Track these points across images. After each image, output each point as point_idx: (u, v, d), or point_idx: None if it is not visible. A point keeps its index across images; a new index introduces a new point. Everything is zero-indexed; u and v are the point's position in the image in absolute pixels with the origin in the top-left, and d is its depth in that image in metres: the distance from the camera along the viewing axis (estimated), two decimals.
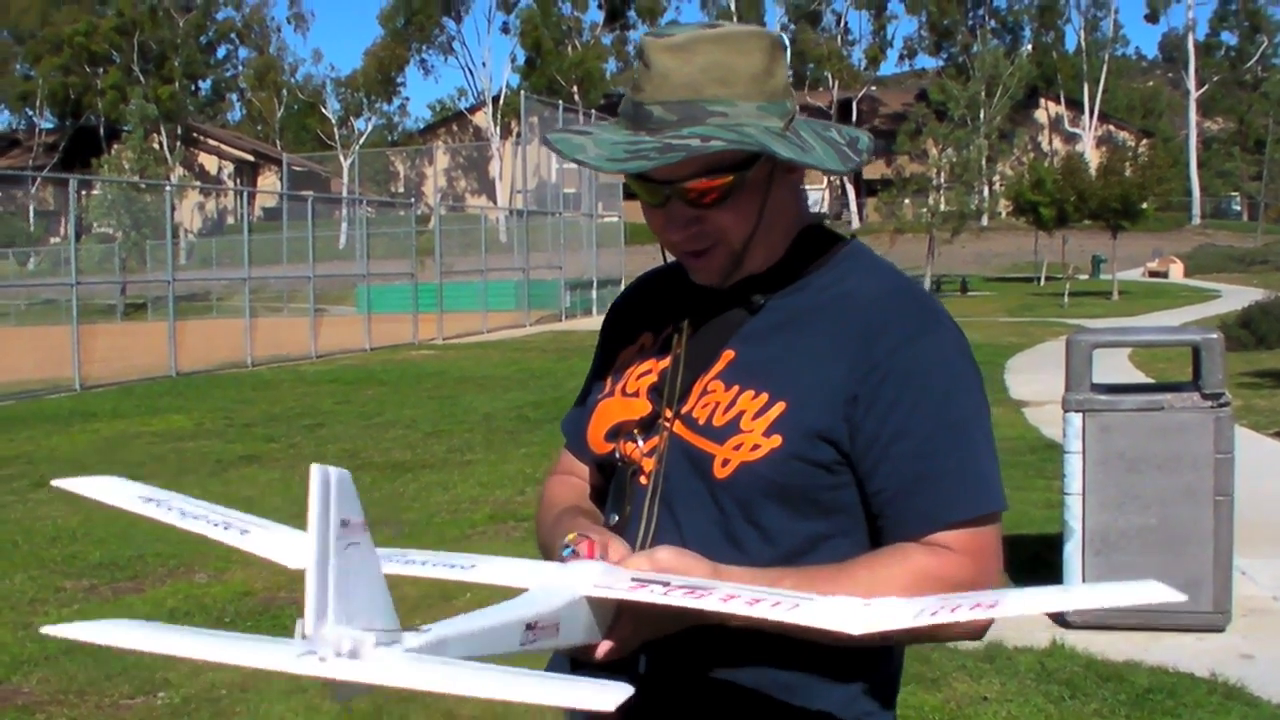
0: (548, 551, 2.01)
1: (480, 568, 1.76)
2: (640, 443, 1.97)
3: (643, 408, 1.99)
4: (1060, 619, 6.86)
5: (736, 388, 1.90)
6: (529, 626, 1.56)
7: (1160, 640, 6.56)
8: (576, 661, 1.83)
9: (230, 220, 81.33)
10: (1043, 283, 54.81)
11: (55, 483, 2.05)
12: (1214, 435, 6.68)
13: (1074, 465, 6.84)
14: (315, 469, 1.27)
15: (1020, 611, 1.57)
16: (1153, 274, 59.92)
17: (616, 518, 1.99)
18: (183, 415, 17.85)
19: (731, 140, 1.77)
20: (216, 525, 1.92)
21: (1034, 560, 7.67)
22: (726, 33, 1.85)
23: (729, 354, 1.94)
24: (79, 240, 27.74)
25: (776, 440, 1.83)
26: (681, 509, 1.91)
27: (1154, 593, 1.51)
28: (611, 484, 2.06)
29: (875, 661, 1.94)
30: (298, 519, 5.95)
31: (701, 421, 1.90)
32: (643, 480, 1.96)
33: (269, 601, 7.83)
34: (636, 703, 1.88)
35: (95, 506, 7.53)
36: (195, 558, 9.00)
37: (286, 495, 11.35)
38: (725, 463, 1.87)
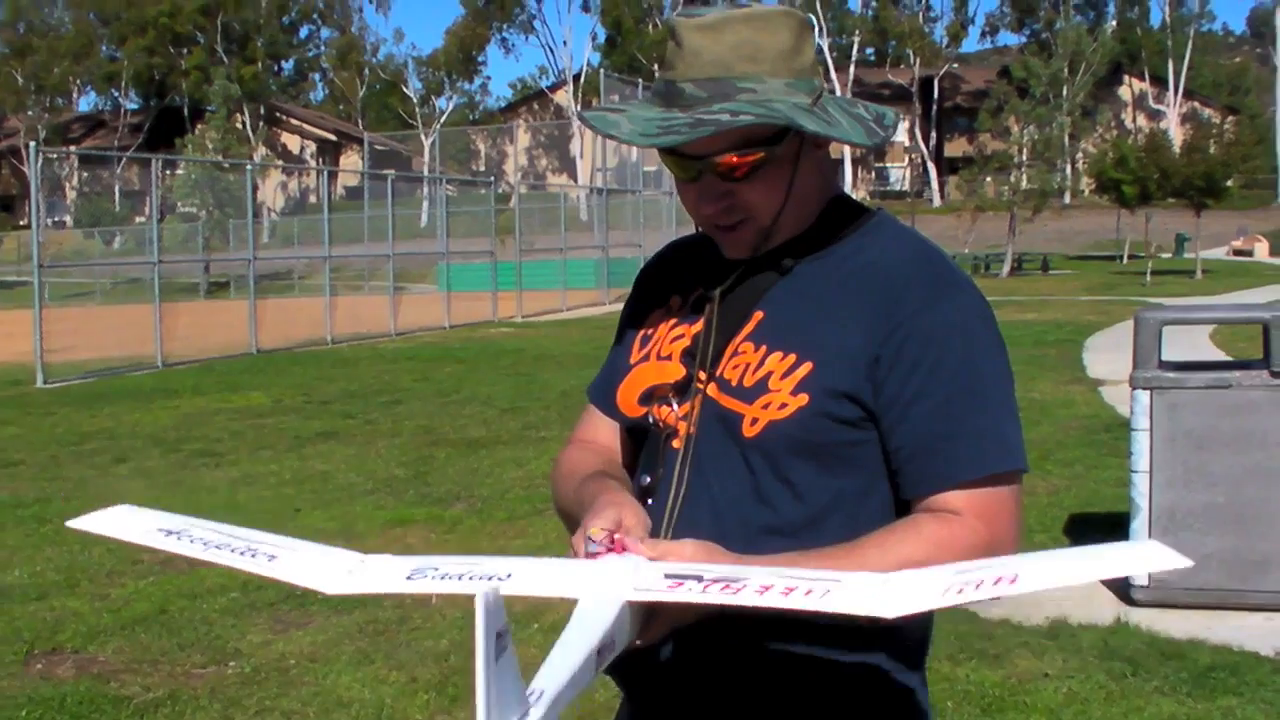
0: (569, 519, 2.05)
1: (516, 578, 1.77)
2: (675, 406, 2.02)
3: (676, 371, 2.03)
4: (1126, 597, 6.84)
5: (765, 348, 1.95)
6: (599, 652, 1.61)
7: (1226, 619, 6.53)
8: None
9: (312, 199, 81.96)
10: (1125, 261, 54.29)
11: (70, 523, 1.99)
12: None
13: (1141, 443, 6.81)
14: (479, 596, 1.37)
15: (1041, 584, 1.59)
16: (1237, 253, 59.22)
17: (649, 479, 2.04)
18: (262, 392, 18.06)
19: (760, 115, 1.82)
20: (241, 553, 1.88)
21: (1099, 532, 7.67)
22: (755, 12, 1.90)
23: (758, 316, 1.99)
24: (162, 220, 28.06)
25: (803, 399, 1.89)
26: (713, 472, 1.96)
27: (1155, 555, 1.54)
28: (644, 447, 2.10)
29: (897, 629, 1.97)
30: (372, 494, 6.20)
31: (733, 383, 1.95)
32: (675, 444, 2.01)
33: None
34: (662, 686, 1.95)
35: (175, 482, 7.72)
36: (270, 531, 9.14)
37: (362, 470, 11.49)
38: (754, 421, 1.92)
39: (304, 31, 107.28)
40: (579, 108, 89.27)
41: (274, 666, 6.25)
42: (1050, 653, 6.06)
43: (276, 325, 26.94)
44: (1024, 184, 55.44)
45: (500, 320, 32.62)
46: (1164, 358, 6.88)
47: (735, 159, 1.88)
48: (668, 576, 1.70)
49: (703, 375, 2.00)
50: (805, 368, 1.90)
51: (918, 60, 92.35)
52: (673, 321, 2.11)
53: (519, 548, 8.40)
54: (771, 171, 1.91)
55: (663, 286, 2.19)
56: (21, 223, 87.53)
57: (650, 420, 2.06)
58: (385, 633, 6.73)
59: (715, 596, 1.63)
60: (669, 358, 2.06)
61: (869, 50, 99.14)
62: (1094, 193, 62.65)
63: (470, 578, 1.77)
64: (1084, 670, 5.83)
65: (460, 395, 16.95)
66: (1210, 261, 49.21)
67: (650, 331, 2.14)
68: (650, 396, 2.07)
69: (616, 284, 39.19)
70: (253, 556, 1.88)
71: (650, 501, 2.01)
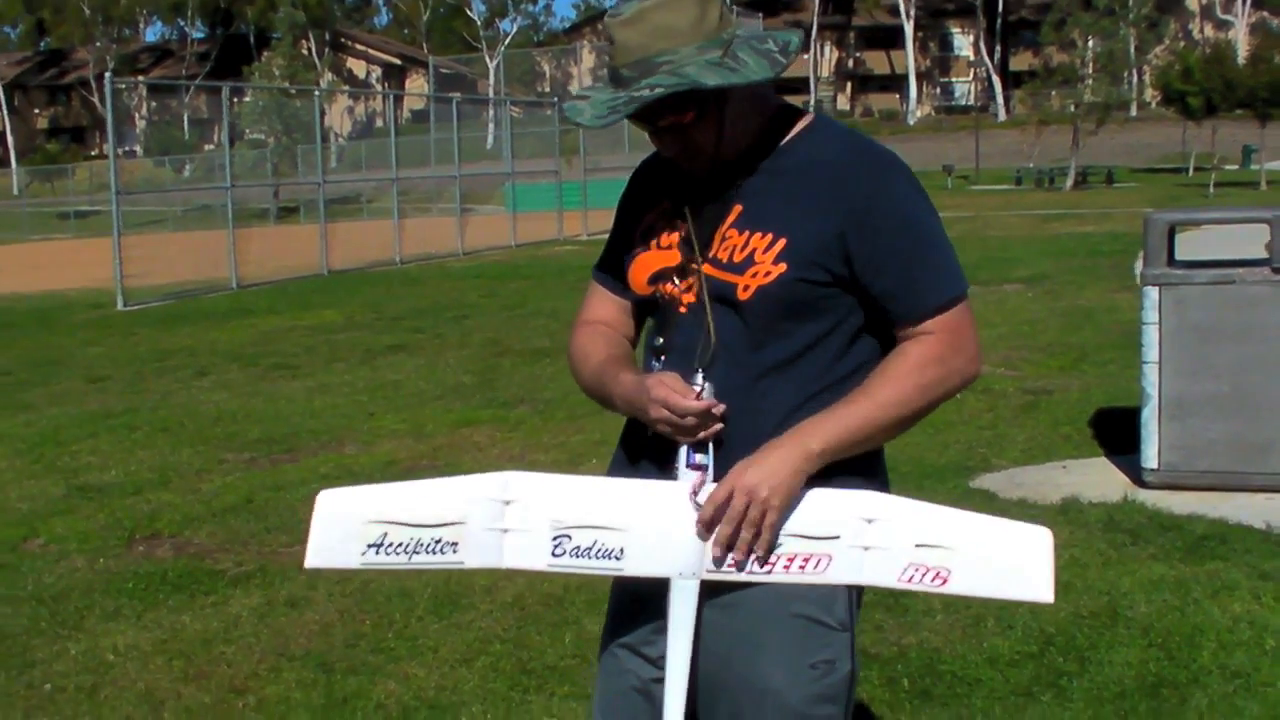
0: (604, 397, 2.68)
1: (630, 557, 2.50)
2: (677, 282, 2.60)
3: (674, 258, 2.61)
4: (1138, 479, 7.36)
5: (748, 232, 2.52)
6: None
7: (1229, 499, 7.02)
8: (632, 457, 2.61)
9: (379, 123, 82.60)
10: (1191, 174, 54.06)
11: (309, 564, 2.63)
12: None
13: (1151, 335, 7.31)
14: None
15: (966, 591, 2.44)
16: None
17: (661, 340, 2.63)
18: (334, 310, 18.74)
19: (670, 84, 2.37)
20: (430, 551, 2.55)
21: (1123, 425, 8.15)
22: (661, 0, 2.43)
23: (738, 208, 2.55)
24: (232, 146, 28.71)
25: (783, 267, 2.47)
26: (716, 326, 2.54)
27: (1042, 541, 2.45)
28: (655, 316, 2.69)
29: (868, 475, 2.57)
30: (441, 399, 7.11)
31: (724, 260, 2.53)
32: (682, 310, 2.59)
33: (412, 467, 8.57)
34: (646, 461, 2.53)
35: (254, 392, 8.49)
36: (345, 433, 9.81)
37: (431, 379, 12.13)
38: (746, 288, 2.50)
39: None
40: None
41: None
42: (1059, 525, 6.57)
43: (346, 247, 27.61)
44: (1088, 97, 55.23)
45: (566, 238, 33.19)
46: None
47: (672, 119, 2.47)
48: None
49: (696, 259, 2.57)
50: (781, 243, 2.48)
51: None
52: (666, 219, 2.67)
53: (578, 443, 8.99)
54: (705, 119, 2.48)
55: (653, 189, 2.75)
56: (92, 153, 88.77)
57: (659, 296, 2.63)
58: None
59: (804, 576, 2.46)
60: (669, 247, 2.63)
61: None
62: (1160, 105, 62.36)
63: (593, 556, 2.51)
64: (1088, 540, 6.37)
65: (526, 310, 17.55)
66: (1277, 172, 48.96)
67: (648, 226, 2.70)
68: (659, 277, 2.64)
69: None
70: (442, 554, 2.54)
71: (664, 358, 2.61)
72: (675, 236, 2.61)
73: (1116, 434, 8.41)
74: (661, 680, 2.66)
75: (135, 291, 21.31)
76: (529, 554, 2.52)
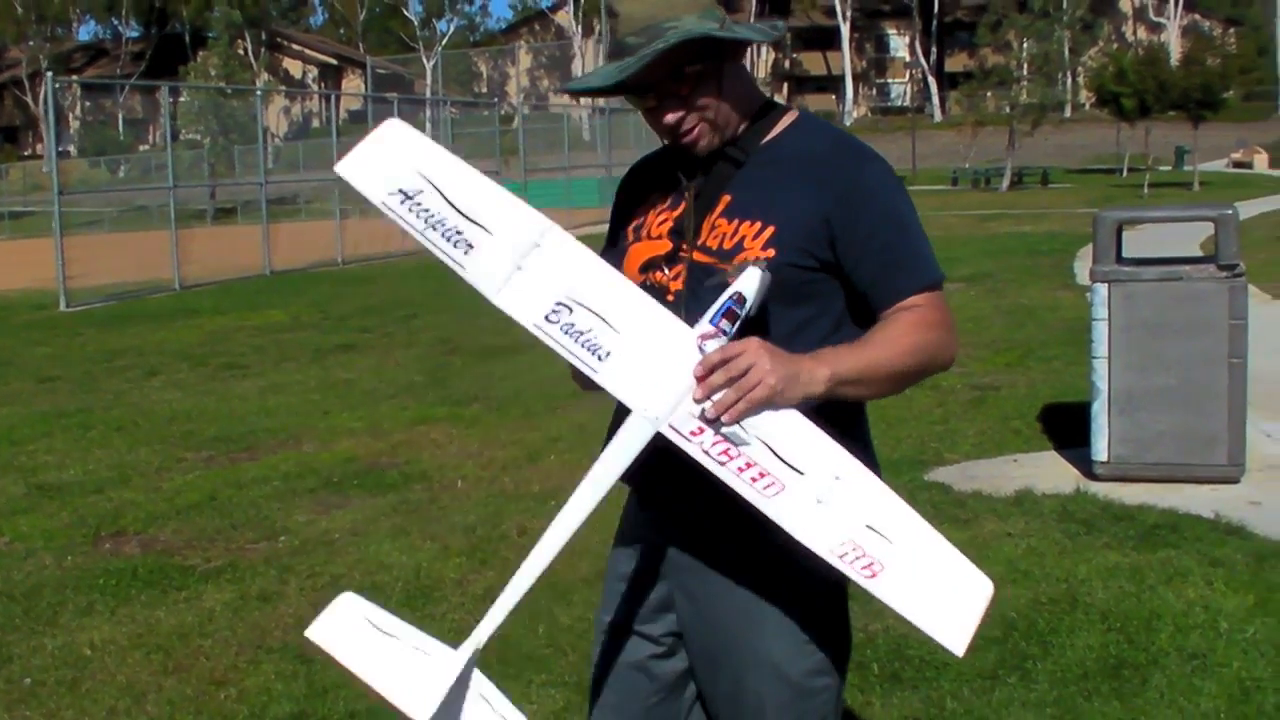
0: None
1: (611, 365, 2.45)
2: (666, 271, 2.69)
3: (665, 246, 2.71)
4: (1089, 472, 7.54)
5: (737, 221, 2.62)
6: None
7: (1178, 490, 7.21)
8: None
9: (315, 124, 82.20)
10: (1125, 175, 54.58)
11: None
12: (1229, 303, 7.29)
13: (1100, 331, 7.49)
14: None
15: (890, 599, 2.29)
16: (1238, 165, 59.46)
17: None
18: (280, 310, 18.74)
19: (681, 35, 2.50)
20: (449, 240, 2.51)
21: (1071, 419, 8.35)
22: None
23: (726, 198, 2.66)
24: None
25: (771, 252, 2.56)
26: (701, 314, 2.62)
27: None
28: None
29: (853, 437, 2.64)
30: (395, 397, 7.34)
31: (714, 247, 2.63)
32: (669, 298, 2.67)
33: (373, 465, 8.65)
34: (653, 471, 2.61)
35: (207, 391, 8.55)
36: (302, 431, 9.87)
37: (382, 377, 12.23)
38: None
39: None
40: (579, 28, 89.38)
41: (320, 540, 6.97)
42: (1014, 517, 6.77)
43: (288, 248, 27.52)
44: (1024, 98, 55.69)
45: None
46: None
47: (674, 84, 2.57)
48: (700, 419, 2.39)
49: (685, 246, 2.67)
50: (769, 230, 2.58)
51: None
52: (656, 210, 2.77)
53: (534, 439, 9.10)
54: (706, 82, 2.59)
55: (642, 188, 2.86)
56: (25, 153, 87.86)
57: (649, 285, 2.73)
58: (418, 510, 7.46)
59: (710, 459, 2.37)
60: (659, 237, 2.73)
61: None
62: (1094, 106, 62.92)
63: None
64: (1043, 530, 6.53)
65: (474, 308, 17.49)
66: (1209, 174, 49.62)
67: (639, 221, 2.81)
68: (649, 266, 2.74)
69: None
70: (454, 246, 2.50)
71: None
72: (665, 227, 2.72)
73: (1064, 428, 8.60)
74: (659, 657, 2.79)
75: (78, 292, 21.20)
76: (524, 304, 2.47)
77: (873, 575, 2.28)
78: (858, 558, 2.29)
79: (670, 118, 2.62)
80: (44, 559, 6.87)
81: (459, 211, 2.51)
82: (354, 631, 2.39)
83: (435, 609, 5.80)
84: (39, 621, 5.90)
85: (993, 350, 12.13)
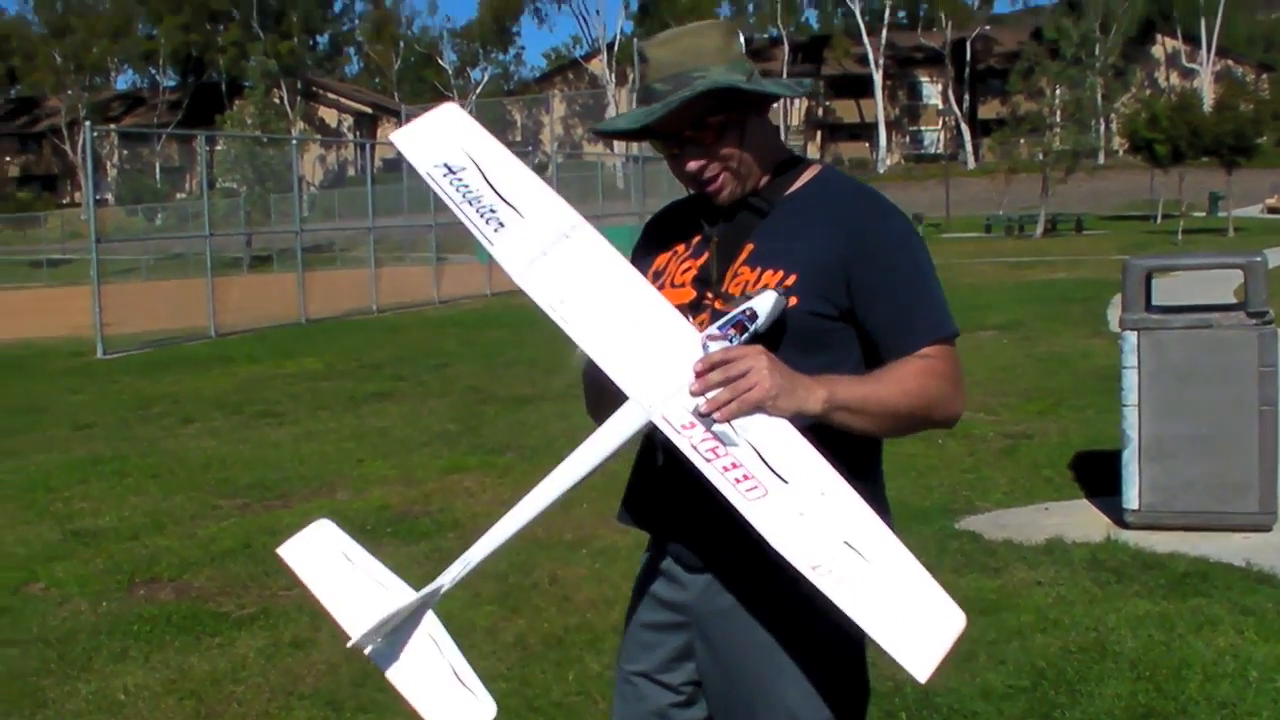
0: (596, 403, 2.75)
1: (619, 351, 2.55)
2: (691, 318, 2.72)
3: (689, 294, 2.75)
4: (1119, 520, 7.54)
5: (760, 269, 2.66)
6: None
7: (1208, 538, 7.21)
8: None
9: (351, 172, 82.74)
10: (1159, 221, 54.58)
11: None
12: (1258, 350, 7.29)
13: (1130, 379, 7.50)
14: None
15: (859, 609, 2.27)
16: (1272, 210, 59.39)
17: None
18: (314, 358, 18.85)
19: (709, 84, 2.57)
20: (483, 217, 2.66)
21: (1103, 467, 8.35)
22: (694, 27, 2.71)
23: (749, 246, 2.71)
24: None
25: (793, 300, 2.61)
26: None
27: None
28: None
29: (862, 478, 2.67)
30: (428, 445, 7.31)
31: (737, 295, 2.66)
32: None
33: (406, 513, 8.70)
34: (658, 491, 2.65)
35: (241, 439, 8.63)
36: (336, 479, 9.93)
37: (416, 426, 12.26)
38: None
39: (338, 5, 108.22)
40: (613, 76, 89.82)
41: None
42: (1044, 565, 6.77)
43: (323, 296, 27.72)
44: (1057, 145, 55.74)
45: None
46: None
47: (699, 128, 2.64)
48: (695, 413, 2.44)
49: (710, 294, 2.71)
50: (792, 278, 2.62)
51: (950, 23, 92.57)
52: (679, 258, 2.82)
53: None
54: (729, 133, 2.66)
55: (665, 235, 2.91)
56: (63, 201, 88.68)
57: None
58: (450, 558, 7.42)
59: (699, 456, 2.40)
60: (682, 285, 2.77)
61: (901, 13, 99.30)
62: (1128, 153, 62.88)
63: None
64: (1073, 579, 6.54)
65: (505, 358, 17.67)
66: (1243, 219, 49.48)
67: (661, 268, 2.85)
68: None
69: None
70: (487, 223, 2.65)
71: None
72: (689, 275, 2.76)
73: (1096, 476, 8.60)
74: (679, 705, 2.82)
75: (114, 339, 21.37)
76: (546, 287, 2.62)
77: (845, 591, 2.28)
78: (830, 571, 2.29)
79: (692, 165, 2.68)
80: (79, 605, 6.94)
81: (497, 192, 2.67)
82: (323, 556, 2.55)
83: (466, 656, 5.82)
84: (73, 667, 5.96)
85: (1025, 398, 12.13)
